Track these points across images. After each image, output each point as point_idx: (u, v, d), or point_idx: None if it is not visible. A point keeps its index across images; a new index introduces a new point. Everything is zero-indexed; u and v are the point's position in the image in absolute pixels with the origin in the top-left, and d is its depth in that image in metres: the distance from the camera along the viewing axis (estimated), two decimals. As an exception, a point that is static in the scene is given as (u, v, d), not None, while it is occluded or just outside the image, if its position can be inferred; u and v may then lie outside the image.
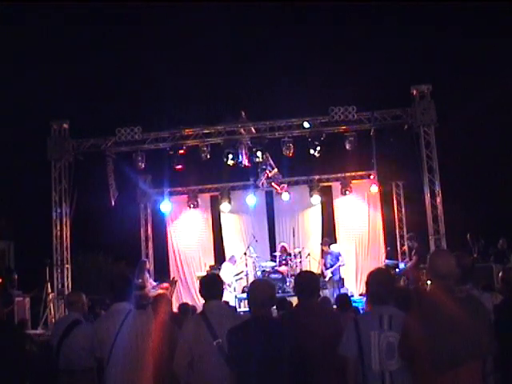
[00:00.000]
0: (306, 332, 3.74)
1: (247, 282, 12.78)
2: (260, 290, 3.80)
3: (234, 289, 12.66)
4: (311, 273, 4.92)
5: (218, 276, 4.64)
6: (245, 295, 12.39)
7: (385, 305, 3.55)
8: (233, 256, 13.23)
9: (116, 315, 4.43)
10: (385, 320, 3.45)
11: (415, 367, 3.23)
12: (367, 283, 3.75)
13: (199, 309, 4.73)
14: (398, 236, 14.11)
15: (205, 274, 11.85)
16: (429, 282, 3.69)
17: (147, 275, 12.05)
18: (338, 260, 12.23)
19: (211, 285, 4.20)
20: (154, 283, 12.15)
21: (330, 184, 14.56)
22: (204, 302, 4.18)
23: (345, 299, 6.73)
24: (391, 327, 3.42)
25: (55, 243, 12.12)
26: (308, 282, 4.22)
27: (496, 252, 11.45)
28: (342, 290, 11.66)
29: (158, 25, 17.10)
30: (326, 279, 12.01)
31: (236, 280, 12.79)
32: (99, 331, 4.48)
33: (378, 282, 3.65)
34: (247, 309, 11.50)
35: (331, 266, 12.15)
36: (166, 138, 12.31)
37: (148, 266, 12.87)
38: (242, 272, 12.93)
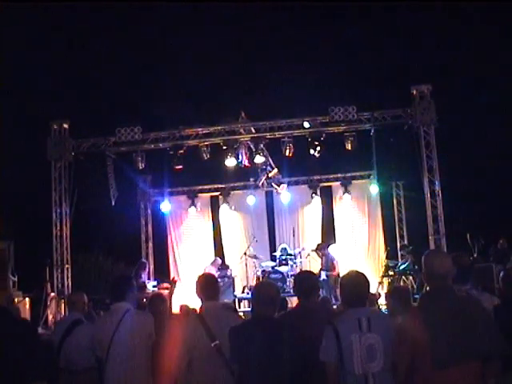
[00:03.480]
0: (305, 332, 3.74)
1: (247, 282, 12.80)
2: (264, 291, 3.81)
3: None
4: (310, 273, 4.92)
5: (213, 276, 4.64)
6: (245, 295, 12.39)
7: (361, 307, 3.50)
8: (216, 259, 13.17)
9: (114, 315, 4.44)
10: (363, 322, 3.39)
11: (415, 367, 3.21)
12: (341, 285, 3.70)
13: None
14: (398, 236, 14.11)
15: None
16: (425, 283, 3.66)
17: (143, 277, 12.01)
18: (332, 266, 12.11)
19: (207, 285, 4.19)
20: (151, 288, 12.14)
21: (330, 184, 14.55)
22: (200, 303, 4.17)
23: None
24: (370, 329, 3.36)
25: (55, 243, 12.13)
26: (307, 282, 4.22)
27: (496, 252, 11.46)
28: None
29: (159, 25, 17.11)
30: (321, 279, 11.98)
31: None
32: (98, 331, 4.50)
33: (352, 284, 3.59)
34: (247, 309, 11.44)
35: (326, 270, 12.11)
36: (166, 138, 12.31)
37: (146, 267, 12.83)
38: (229, 272, 12.86)
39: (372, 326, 3.37)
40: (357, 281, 3.60)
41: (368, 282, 3.63)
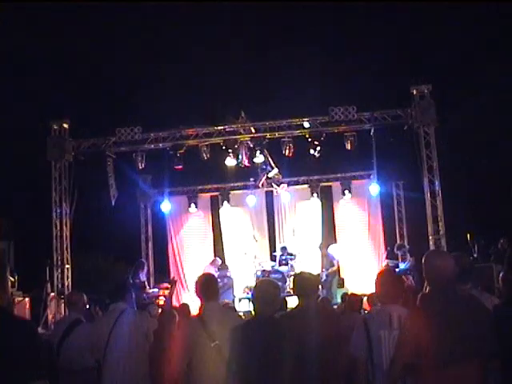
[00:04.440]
0: (305, 332, 3.74)
1: (247, 282, 12.79)
2: (265, 290, 3.80)
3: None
4: (309, 273, 4.92)
5: (213, 276, 4.63)
6: (245, 295, 12.39)
7: (393, 304, 3.59)
8: (215, 259, 13.18)
9: (110, 315, 4.46)
10: (394, 319, 3.47)
11: (417, 365, 3.21)
12: (376, 283, 3.78)
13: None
14: (397, 236, 14.09)
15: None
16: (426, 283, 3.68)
17: (141, 276, 12.00)
18: (332, 265, 12.20)
19: (206, 286, 4.18)
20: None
21: (330, 184, 14.54)
22: (200, 303, 4.17)
23: (356, 299, 6.49)
24: (400, 326, 3.42)
25: (55, 243, 12.12)
26: (306, 283, 4.22)
27: (496, 252, 11.44)
28: (342, 290, 11.66)
29: (158, 25, 17.11)
30: (322, 280, 12.02)
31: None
32: (96, 331, 4.51)
33: (386, 281, 3.68)
34: (247, 309, 11.40)
35: (327, 269, 12.17)
36: (166, 138, 12.31)
37: (145, 267, 12.83)
38: (229, 272, 12.90)
39: (402, 323, 3.41)
40: (390, 279, 3.70)
41: (401, 280, 3.70)
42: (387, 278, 3.74)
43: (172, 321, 5.22)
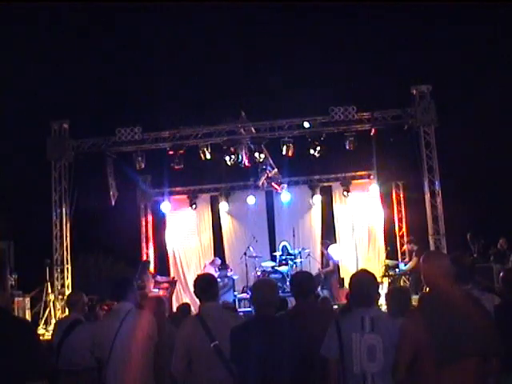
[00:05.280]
0: (305, 333, 3.74)
1: (247, 282, 12.79)
2: (263, 290, 3.81)
3: None
4: (306, 273, 4.93)
5: (213, 276, 4.62)
6: (245, 295, 12.39)
7: (367, 307, 3.52)
8: (215, 259, 13.19)
9: (116, 315, 4.44)
10: (366, 322, 3.42)
11: (417, 366, 3.22)
12: (350, 285, 3.72)
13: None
14: (397, 236, 14.08)
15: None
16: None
17: (149, 276, 12.03)
18: (327, 265, 12.25)
19: (206, 286, 4.18)
20: (159, 277, 12.21)
21: (330, 184, 14.54)
22: (200, 303, 4.16)
23: None
24: (373, 329, 3.39)
25: (55, 243, 12.13)
26: (303, 283, 4.22)
27: (496, 252, 11.45)
28: (343, 291, 11.67)
29: (158, 25, 17.11)
30: (321, 280, 12.04)
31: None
32: (100, 331, 4.49)
33: (360, 283, 3.62)
34: (247, 309, 11.42)
35: (324, 269, 12.22)
36: (166, 138, 12.31)
37: (149, 267, 12.84)
38: (229, 272, 12.91)
39: (375, 327, 3.40)
40: (364, 280, 3.63)
41: (376, 282, 3.67)
42: (361, 279, 3.67)
43: (159, 307, 5.17)
